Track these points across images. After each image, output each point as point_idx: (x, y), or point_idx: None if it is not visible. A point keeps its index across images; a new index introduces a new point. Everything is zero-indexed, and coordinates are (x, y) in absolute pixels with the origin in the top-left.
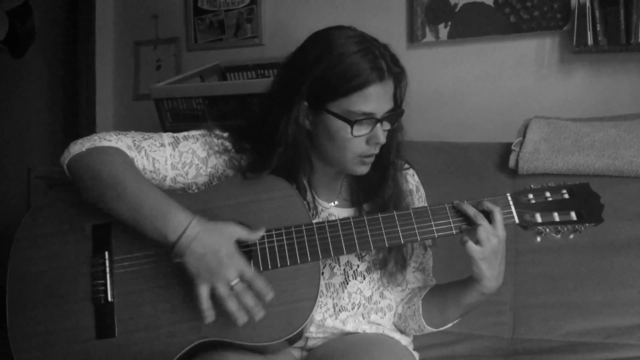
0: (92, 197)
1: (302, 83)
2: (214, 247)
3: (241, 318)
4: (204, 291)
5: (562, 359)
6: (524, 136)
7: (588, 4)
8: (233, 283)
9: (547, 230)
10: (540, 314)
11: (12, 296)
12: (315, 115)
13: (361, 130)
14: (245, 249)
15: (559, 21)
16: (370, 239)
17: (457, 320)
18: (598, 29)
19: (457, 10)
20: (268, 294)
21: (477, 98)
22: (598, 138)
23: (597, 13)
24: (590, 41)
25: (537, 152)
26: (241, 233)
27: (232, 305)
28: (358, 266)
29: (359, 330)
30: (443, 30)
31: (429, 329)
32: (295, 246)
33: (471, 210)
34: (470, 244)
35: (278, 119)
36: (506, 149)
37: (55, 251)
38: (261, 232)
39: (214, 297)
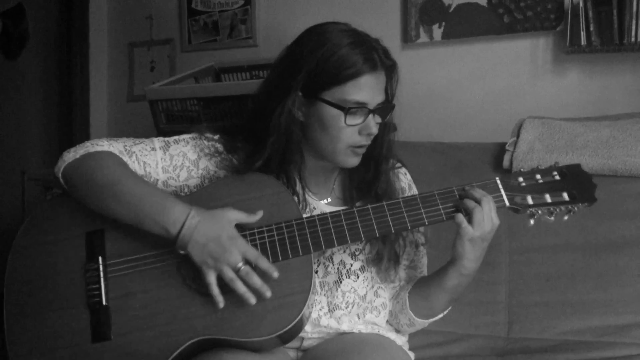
0: (90, 201)
1: (297, 74)
2: (215, 234)
3: (250, 298)
4: (212, 278)
5: (557, 357)
6: (517, 136)
7: (581, 4)
8: (238, 266)
9: (540, 212)
10: (535, 313)
11: (9, 303)
12: (308, 105)
13: (354, 120)
14: None
15: (552, 21)
16: (360, 229)
17: (446, 311)
18: (591, 29)
19: (451, 10)
20: (274, 272)
21: (471, 98)
22: (592, 138)
23: (590, 13)
24: (583, 41)
25: (531, 152)
26: (240, 216)
27: (240, 287)
28: (351, 265)
29: (354, 330)
30: (437, 31)
31: (420, 321)
32: (287, 241)
33: (478, 193)
34: (465, 224)
35: (272, 110)
36: (500, 148)
37: (51, 258)
38: (259, 215)
39: (223, 281)
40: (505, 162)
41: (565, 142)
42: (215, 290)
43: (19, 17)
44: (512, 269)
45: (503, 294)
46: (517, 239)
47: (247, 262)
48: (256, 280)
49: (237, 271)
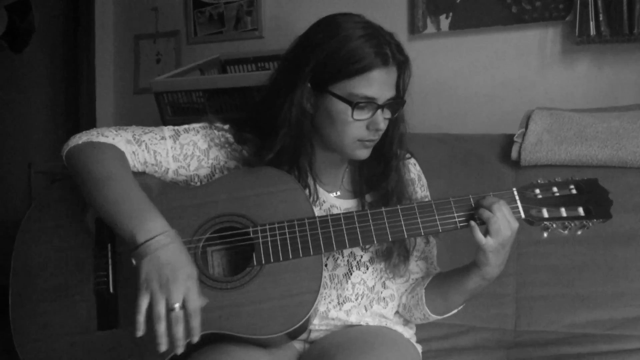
0: (82, 189)
1: (306, 65)
2: (178, 263)
3: (162, 345)
4: (144, 302)
5: (565, 350)
6: (526, 127)
7: None
8: (175, 306)
9: (554, 225)
10: (543, 305)
11: (15, 289)
12: (317, 97)
13: (362, 115)
14: (248, 242)
15: (561, 11)
16: (373, 233)
17: (461, 307)
18: (601, 19)
19: (458, 1)
20: (195, 336)
21: (479, 89)
22: (601, 129)
23: (599, 3)
24: (592, 31)
25: (540, 144)
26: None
27: (160, 328)
28: (361, 257)
29: (362, 323)
30: (444, 21)
31: (434, 317)
32: (298, 240)
33: (489, 201)
34: (484, 240)
35: (282, 102)
36: (508, 140)
37: (58, 244)
38: (203, 302)
39: (149, 312)
40: (514, 154)
41: (574, 134)
42: (142, 316)
43: (25, 10)
44: (520, 262)
45: (511, 287)
46: (526, 230)
47: (183, 306)
48: (179, 332)
49: (170, 310)
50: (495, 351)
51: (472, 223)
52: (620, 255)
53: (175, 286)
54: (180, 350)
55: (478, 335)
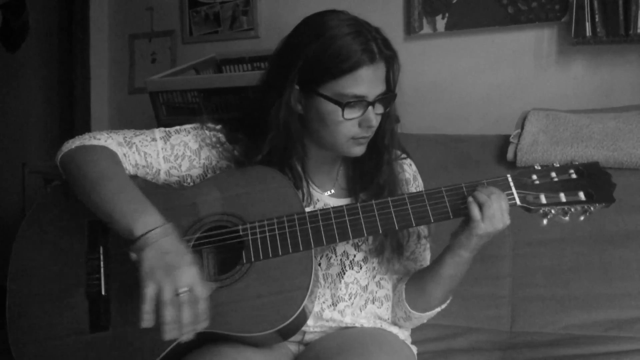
0: (77, 191)
1: (294, 66)
2: (180, 250)
3: (169, 333)
4: (150, 291)
5: (561, 352)
6: (522, 128)
7: None
8: (181, 290)
9: (554, 211)
10: (539, 306)
11: (12, 291)
12: (307, 99)
13: (352, 113)
14: (238, 239)
15: (557, 12)
16: (363, 226)
17: (444, 305)
18: (597, 20)
19: (454, 1)
20: (203, 322)
21: (475, 90)
22: (597, 130)
23: (595, 4)
24: (588, 32)
25: (536, 144)
26: (197, 274)
27: (168, 315)
28: (355, 256)
29: (357, 324)
30: (440, 22)
31: (416, 314)
32: (287, 236)
33: (489, 190)
34: (477, 214)
35: (270, 104)
36: (504, 141)
37: (54, 247)
38: (208, 289)
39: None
40: (509, 155)
41: (570, 134)
42: (149, 305)
43: (20, 9)
44: (515, 263)
45: (507, 288)
46: (521, 232)
47: (190, 292)
48: (187, 316)
49: (177, 295)
50: (491, 352)
51: (470, 199)
52: (616, 256)
53: (180, 272)
54: (186, 337)
55: (474, 337)
